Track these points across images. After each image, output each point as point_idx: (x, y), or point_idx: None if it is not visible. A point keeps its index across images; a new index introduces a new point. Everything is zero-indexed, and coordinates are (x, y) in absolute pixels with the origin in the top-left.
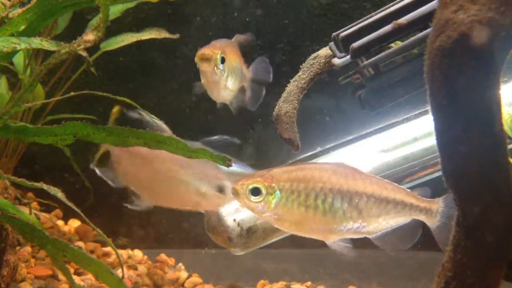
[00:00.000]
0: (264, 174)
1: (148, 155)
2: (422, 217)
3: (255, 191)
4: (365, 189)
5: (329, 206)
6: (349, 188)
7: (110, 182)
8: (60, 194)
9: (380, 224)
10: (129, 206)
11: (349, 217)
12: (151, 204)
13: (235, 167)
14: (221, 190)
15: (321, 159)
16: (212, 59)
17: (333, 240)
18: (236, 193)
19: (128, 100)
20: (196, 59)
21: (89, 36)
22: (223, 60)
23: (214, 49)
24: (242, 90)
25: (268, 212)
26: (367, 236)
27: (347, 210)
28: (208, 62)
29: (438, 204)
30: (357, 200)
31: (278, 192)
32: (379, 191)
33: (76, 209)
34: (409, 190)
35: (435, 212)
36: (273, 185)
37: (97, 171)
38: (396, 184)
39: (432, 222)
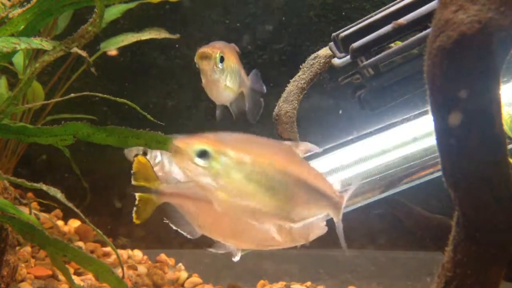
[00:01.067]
0: (211, 137)
1: None
2: (331, 211)
3: (201, 153)
4: (302, 174)
5: (271, 184)
6: (292, 171)
7: (188, 235)
8: (59, 195)
9: (305, 212)
10: (213, 250)
11: (284, 201)
12: (234, 249)
13: None
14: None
15: (321, 160)
16: (212, 58)
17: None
18: (178, 152)
19: (128, 102)
20: (196, 58)
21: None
22: (222, 59)
23: (213, 48)
24: (241, 96)
25: (208, 179)
26: (289, 223)
27: (284, 193)
28: (207, 60)
29: (343, 199)
30: (294, 184)
31: (224, 158)
32: (312, 179)
33: (75, 209)
34: (328, 181)
35: (340, 206)
36: (221, 150)
37: (171, 225)
38: (320, 172)
39: (336, 216)
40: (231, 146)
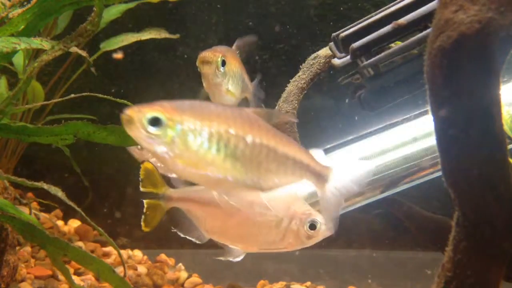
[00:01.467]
0: (166, 105)
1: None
2: (313, 181)
3: (154, 121)
4: (268, 141)
5: (231, 152)
6: (254, 137)
7: (196, 241)
8: (60, 194)
9: (277, 180)
10: (223, 259)
11: (248, 168)
12: (242, 252)
13: None
14: (312, 227)
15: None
16: (213, 62)
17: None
18: (129, 121)
19: (128, 103)
20: (197, 63)
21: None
22: (224, 63)
23: (215, 52)
24: (245, 102)
25: (163, 148)
26: (260, 190)
27: (247, 160)
28: (209, 64)
29: (330, 171)
30: (259, 151)
31: (179, 126)
32: (282, 146)
33: (77, 208)
34: (306, 150)
35: (326, 178)
36: (175, 117)
37: (179, 233)
38: (294, 141)
39: (320, 188)
40: (187, 113)
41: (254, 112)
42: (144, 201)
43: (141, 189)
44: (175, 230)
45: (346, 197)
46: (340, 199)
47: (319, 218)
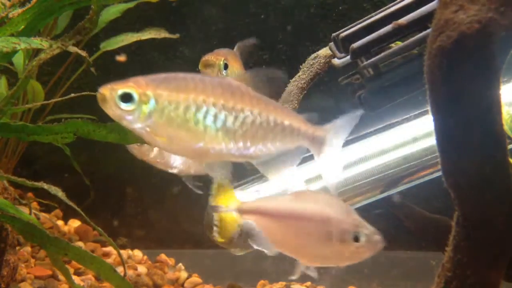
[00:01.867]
0: (138, 80)
1: (298, 215)
2: (307, 144)
3: (126, 98)
4: (252, 107)
5: (210, 121)
6: (235, 104)
7: (267, 252)
8: (60, 194)
9: (265, 147)
10: (294, 277)
11: (231, 137)
12: (309, 265)
13: None
14: (356, 239)
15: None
16: (216, 65)
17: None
18: (103, 99)
19: None
20: (200, 66)
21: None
22: (226, 66)
23: (217, 56)
24: None
25: (140, 124)
26: (250, 160)
27: (229, 129)
28: (211, 68)
29: (325, 132)
30: (242, 119)
31: (153, 100)
32: (267, 112)
33: (77, 208)
34: (298, 114)
35: (321, 140)
36: (148, 92)
37: (253, 245)
38: (285, 106)
39: (317, 151)
40: (162, 87)
41: (237, 79)
42: (216, 214)
43: (212, 203)
44: (249, 242)
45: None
46: (340, 161)
47: (366, 231)
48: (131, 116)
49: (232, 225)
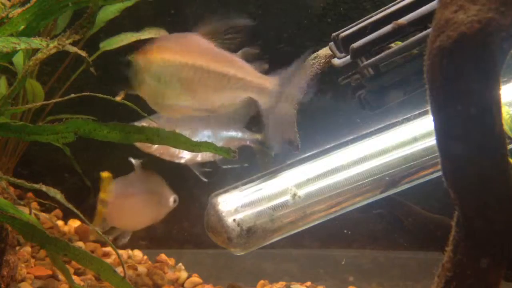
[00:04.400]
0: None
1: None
2: (253, 95)
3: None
4: (195, 61)
5: (177, 80)
6: (181, 60)
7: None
8: (59, 196)
9: (217, 100)
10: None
11: (192, 92)
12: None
13: (235, 133)
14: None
15: (322, 160)
16: None
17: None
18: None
19: (128, 103)
20: None
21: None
22: None
23: None
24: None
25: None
26: (205, 113)
27: (191, 85)
28: None
29: (273, 83)
30: (186, 73)
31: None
32: (213, 64)
33: (75, 210)
34: (247, 65)
35: (268, 90)
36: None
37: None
38: (237, 58)
39: (263, 102)
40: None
41: (201, 34)
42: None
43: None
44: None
45: (293, 110)
46: (290, 114)
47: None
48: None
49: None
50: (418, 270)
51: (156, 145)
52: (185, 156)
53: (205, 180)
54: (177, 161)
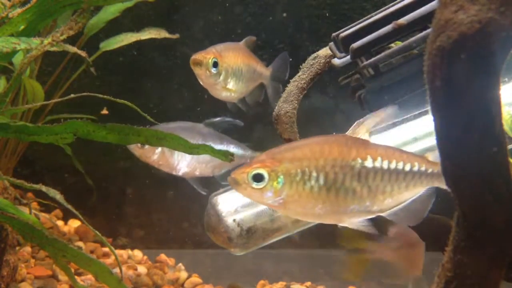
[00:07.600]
0: (263, 159)
1: None
2: (436, 183)
3: (257, 178)
4: (371, 160)
5: (332, 183)
6: (355, 160)
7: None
8: (59, 196)
9: (393, 199)
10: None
11: (358, 195)
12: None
13: (236, 150)
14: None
15: None
16: (203, 64)
17: (348, 222)
18: (235, 183)
19: (128, 103)
20: (190, 64)
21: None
22: (216, 64)
23: (206, 54)
24: (260, 86)
25: (274, 199)
26: (381, 214)
27: (353, 186)
28: (199, 66)
29: (438, 165)
30: (364, 174)
31: (281, 176)
32: (387, 162)
33: (74, 211)
34: (419, 156)
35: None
36: (276, 168)
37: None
38: (404, 150)
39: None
40: (286, 160)
41: (353, 133)
42: (348, 256)
43: (343, 243)
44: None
45: None
46: None
47: None
48: (264, 193)
49: (363, 265)
50: None
51: (156, 156)
52: (183, 168)
53: (204, 193)
54: (174, 173)
